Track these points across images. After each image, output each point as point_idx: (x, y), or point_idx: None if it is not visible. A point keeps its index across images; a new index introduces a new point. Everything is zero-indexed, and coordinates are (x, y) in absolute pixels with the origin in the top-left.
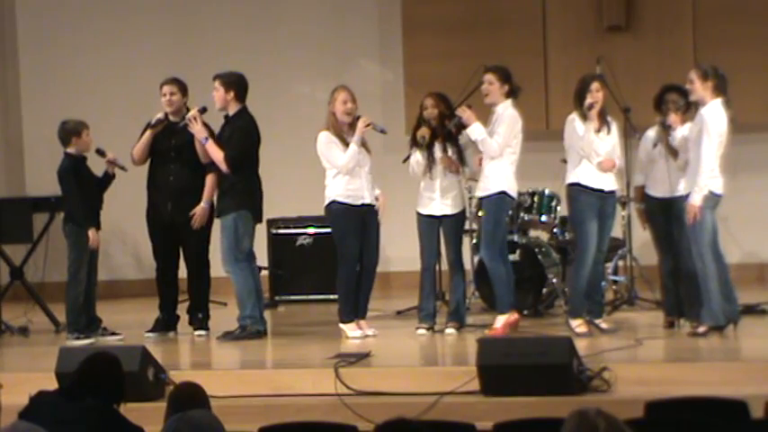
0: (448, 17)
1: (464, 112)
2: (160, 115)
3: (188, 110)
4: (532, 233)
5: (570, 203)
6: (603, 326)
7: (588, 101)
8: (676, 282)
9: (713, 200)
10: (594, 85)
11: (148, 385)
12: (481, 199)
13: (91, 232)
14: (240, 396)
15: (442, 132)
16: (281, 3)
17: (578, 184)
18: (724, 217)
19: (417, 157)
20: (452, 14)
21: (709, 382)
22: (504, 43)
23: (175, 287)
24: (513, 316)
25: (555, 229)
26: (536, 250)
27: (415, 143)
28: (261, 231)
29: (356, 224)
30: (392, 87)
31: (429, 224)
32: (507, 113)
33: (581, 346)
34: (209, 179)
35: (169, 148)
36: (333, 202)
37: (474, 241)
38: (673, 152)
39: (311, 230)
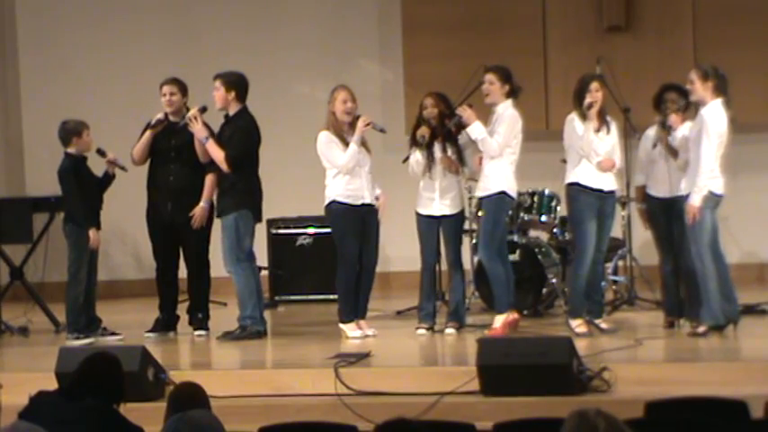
0: (448, 17)
1: (464, 111)
2: (160, 115)
3: (188, 110)
4: (532, 233)
5: (569, 203)
6: (603, 326)
7: (587, 100)
8: (677, 282)
9: (713, 200)
10: (594, 85)
11: (148, 385)
12: (481, 199)
13: (91, 232)
14: (240, 396)
15: (441, 132)
16: (281, 3)
17: (578, 184)
18: (724, 217)
19: (417, 156)
20: (452, 14)
21: (709, 382)
22: (504, 43)
23: (175, 287)
24: (513, 316)
25: (555, 230)
26: (536, 250)
27: (414, 143)
28: (261, 231)
29: (356, 224)
30: (392, 87)
31: (428, 224)
32: (508, 113)
33: (581, 346)
34: (209, 179)
35: (169, 148)
36: (333, 201)
37: (474, 241)
38: (672, 152)
39: (311, 230)
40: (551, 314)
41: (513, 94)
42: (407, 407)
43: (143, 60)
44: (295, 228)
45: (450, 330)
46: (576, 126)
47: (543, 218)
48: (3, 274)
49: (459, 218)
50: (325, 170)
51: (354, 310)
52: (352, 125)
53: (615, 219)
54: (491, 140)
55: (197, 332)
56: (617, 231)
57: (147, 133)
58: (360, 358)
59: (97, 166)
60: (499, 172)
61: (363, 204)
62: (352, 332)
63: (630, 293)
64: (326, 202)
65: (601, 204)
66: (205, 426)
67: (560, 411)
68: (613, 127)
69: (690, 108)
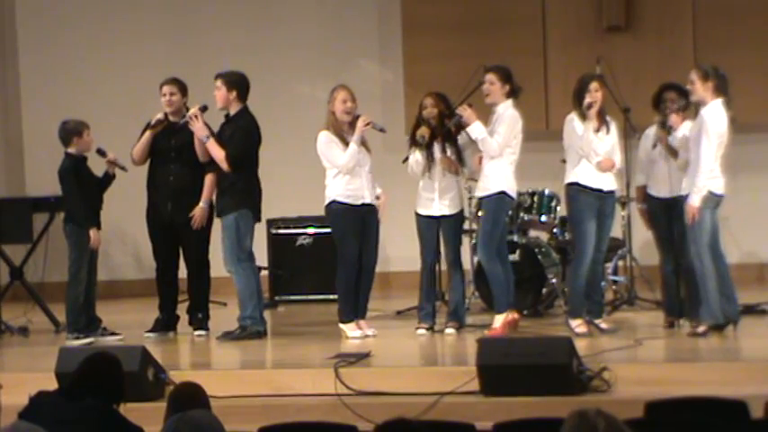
0: (448, 17)
1: (465, 111)
2: (160, 116)
3: (187, 109)
4: (532, 233)
5: (569, 203)
6: (603, 326)
7: (587, 100)
8: (677, 282)
9: (713, 200)
10: (593, 85)
11: (148, 385)
12: (480, 199)
13: (92, 232)
14: (240, 396)
15: (441, 132)
16: (281, 3)
17: (577, 184)
18: (724, 217)
19: (417, 156)
20: (452, 14)
21: (709, 382)
22: (504, 43)
23: (175, 287)
24: (512, 315)
25: (555, 230)
26: (536, 250)
27: (414, 143)
28: (261, 231)
29: (356, 224)
30: (392, 87)
31: (428, 224)
32: (508, 113)
33: (581, 346)
34: (208, 179)
35: (169, 149)
36: (333, 201)
37: (473, 241)
38: (672, 152)
39: (311, 230)
40: (551, 314)
41: (513, 94)
42: (407, 407)
43: (143, 60)
44: (295, 228)
45: (449, 330)
46: (575, 126)
47: (543, 218)
48: (3, 274)
49: (458, 218)
50: (326, 170)
51: (354, 310)
52: (352, 125)
53: (615, 219)
54: (491, 140)
55: (197, 332)
56: (617, 231)
57: (147, 133)
58: (360, 358)
59: (97, 167)
60: (499, 172)
61: (363, 204)
62: (352, 332)
63: (630, 293)
64: (327, 201)
65: (600, 204)
66: (205, 426)
67: (560, 411)
68: (613, 127)
69: (689, 107)
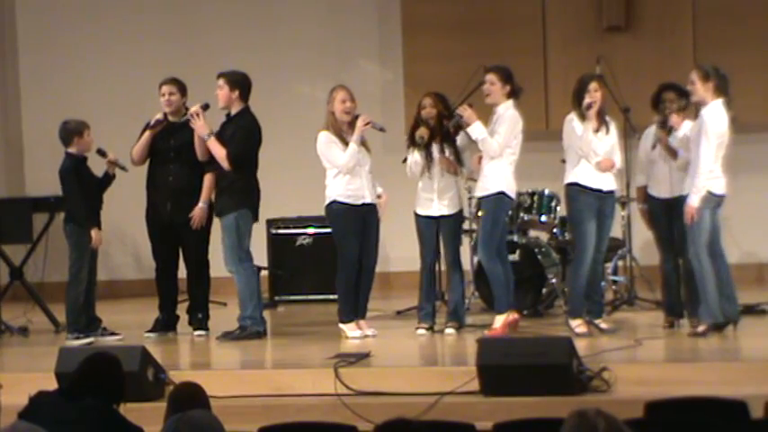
0: (448, 17)
1: (465, 111)
2: (159, 116)
3: (187, 110)
4: (532, 233)
5: (569, 203)
6: (603, 326)
7: (586, 101)
8: (677, 282)
9: (713, 200)
10: (593, 85)
11: (148, 385)
12: (480, 199)
13: (94, 232)
14: (240, 396)
15: (439, 132)
16: (280, 3)
17: (577, 184)
18: (724, 217)
19: (415, 157)
20: (452, 14)
21: (709, 382)
22: (504, 43)
23: (175, 287)
24: (512, 315)
25: (555, 230)
26: (536, 250)
27: (413, 143)
28: (261, 231)
29: (356, 224)
30: (392, 87)
31: (427, 225)
32: (508, 114)
33: (581, 346)
34: (208, 179)
35: (168, 149)
36: (333, 201)
37: (473, 241)
38: (671, 152)
39: (311, 230)
40: (551, 314)
41: (513, 94)
42: (407, 407)
43: (143, 60)
44: (295, 228)
45: (449, 330)
46: (575, 126)
47: (543, 218)
48: (3, 274)
49: (457, 218)
50: (326, 170)
51: (354, 310)
52: (352, 125)
53: (615, 219)
54: (491, 141)
55: (197, 332)
56: (617, 231)
57: (147, 133)
58: (360, 358)
59: (97, 167)
60: (498, 172)
61: (364, 204)
62: (352, 332)
63: (630, 293)
64: (327, 201)
65: (600, 204)
66: (205, 426)
67: (560, 411)
68: (612, 127)
69: (689, 107)
